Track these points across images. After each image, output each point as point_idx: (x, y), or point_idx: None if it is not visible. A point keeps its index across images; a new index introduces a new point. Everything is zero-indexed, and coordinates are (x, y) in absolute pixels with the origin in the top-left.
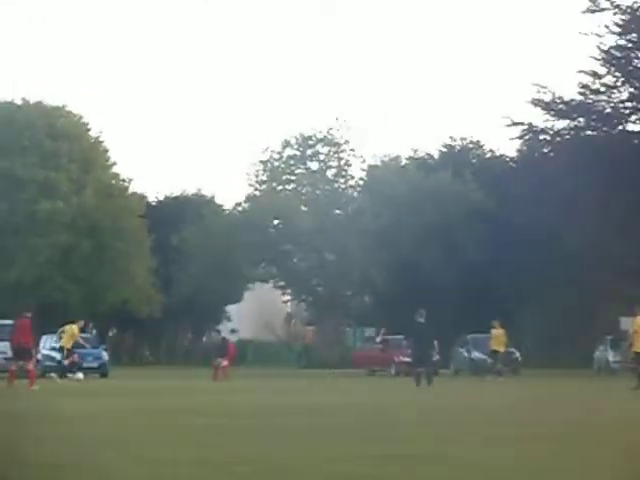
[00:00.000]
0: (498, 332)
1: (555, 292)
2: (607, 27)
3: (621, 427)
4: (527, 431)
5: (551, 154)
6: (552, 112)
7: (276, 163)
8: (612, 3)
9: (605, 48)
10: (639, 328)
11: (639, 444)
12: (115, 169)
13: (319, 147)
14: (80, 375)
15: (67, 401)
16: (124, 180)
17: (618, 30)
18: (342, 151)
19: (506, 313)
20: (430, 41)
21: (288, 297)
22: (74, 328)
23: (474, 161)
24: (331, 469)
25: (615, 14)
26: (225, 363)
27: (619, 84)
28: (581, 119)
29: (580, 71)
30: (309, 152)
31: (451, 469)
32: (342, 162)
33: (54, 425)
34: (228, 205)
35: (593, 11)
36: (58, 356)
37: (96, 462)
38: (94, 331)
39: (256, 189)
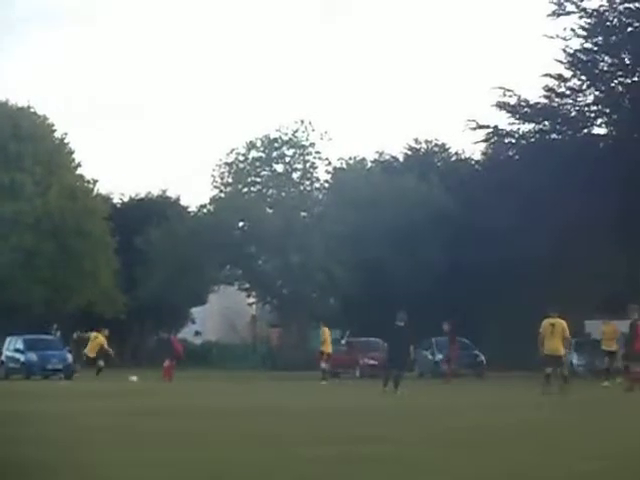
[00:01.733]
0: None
1: (519, 294)
2: (573, 30)
3: (545, 430)
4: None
5: (516, 157)
6: (517, 115)
7: (241, 165)
8: (578, 6)
9: (571, 51)
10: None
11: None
12: (80, 171)
13: (284, 149)
14: (133, 378)
15: (30, 402)
16: (89, 182)
17: (584, 33)
18: (308, 153)
19: (470, 315)
20: (395, 44)
21: (253, 299)
22: (100, 337)
23: (439, 164)
24: (289, 472)
25: (581, 17)
26: (167, 363)
27: (584, 87)
28: (546, 122)
29: (545, 74)
30: (274, 154)
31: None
32: (307, 164)
33: (15, 425)
34: (193, 207)
35: (559, 14)
36: (22, 358)
37: (54, 462)
38: (58, 333)
39: (221, 191)
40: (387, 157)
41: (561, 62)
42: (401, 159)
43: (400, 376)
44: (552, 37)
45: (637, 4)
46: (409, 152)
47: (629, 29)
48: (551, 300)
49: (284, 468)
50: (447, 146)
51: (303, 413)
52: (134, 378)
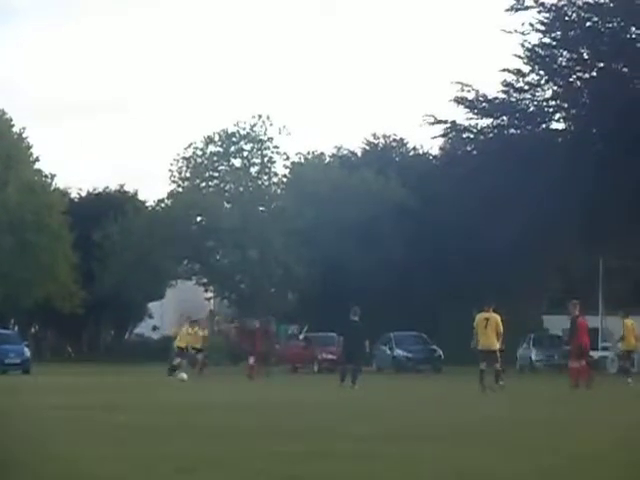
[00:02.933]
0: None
1: (477, 289)
2: (531, 25)
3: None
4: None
5: (474, 152)
6: (475, 110)
7: (199, 160)
8: (536, 1)
9: (529, 46)
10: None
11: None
12: (38, 165)
13: (242, 144)
14: (184, 375)
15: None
16: (47, 176)
17: (542, 28)
18: (266, 148)
19: (429, 310)
20: (354, 38)
21: (211, 294)
22: (186, 328)
23: (397, 159)
24: (249, 466)
25: (539, 12)
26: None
27: (543, 82)
28: (504, 117)
29: (504, 69)
30: (232, 149)
31: (384, 466)
32: (265, 159)
33: None
34: (151, 202)
35: (517, 9)
36: None
37: (7, 459)
38: (16, 327)
39: (179, 186)
40: (345, 152)
41: (519, 57)
42: (359, 154)
43: (357, 371)
44: (510, 32)
45: None
46: (367, 147)
47: (587, 24)
48: (510, 295)
49: (247, 462)
50: (405, 141)
51: (268, 407)
52: (184, 376)
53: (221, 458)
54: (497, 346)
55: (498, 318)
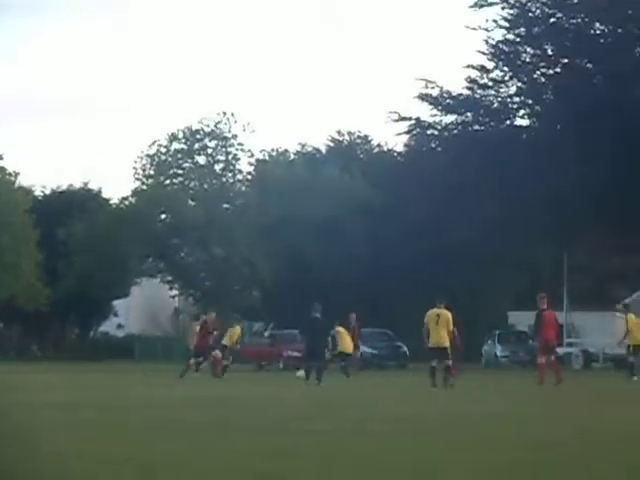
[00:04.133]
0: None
1: (442, 286)
2: (495, 21)
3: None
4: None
5: (439, 149)
6: (440, 107)
7: (163, 157)
8: None
9: (493, 42)
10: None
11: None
12: (1, 163)
13: (207, 141)
14: (301, 372)
15: None
16: (10, 174)
17: (506, 24)
18: (230, 145)
19: (395, 307)
20: (317, 35)
21: (176, 292)
22: (237, 329)
23: (362, 156)
24: (224, 464)
25: (503, 8)
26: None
27: (507, 79)
28: (469, 114)
29: (468, 66)
30: (197, 146)
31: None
32: (230, 156)
33: None
34: (115, 199)
35: (481, 5)
36: None
37: None
38: None
39: (143, 183)
40: (310, 149)
41: (483, 53)
42: (324, 151)
43: (321, 367)
44: (474, 28)
45: None
46: (332, 144)
47: (551, 20)
48: (475, 291)
49: (213, 460)
50: (370, 138)
51: (233, 404)
52: (301, 373)
53: (186, 455)
54: (447, 343)
55: (449, 315)
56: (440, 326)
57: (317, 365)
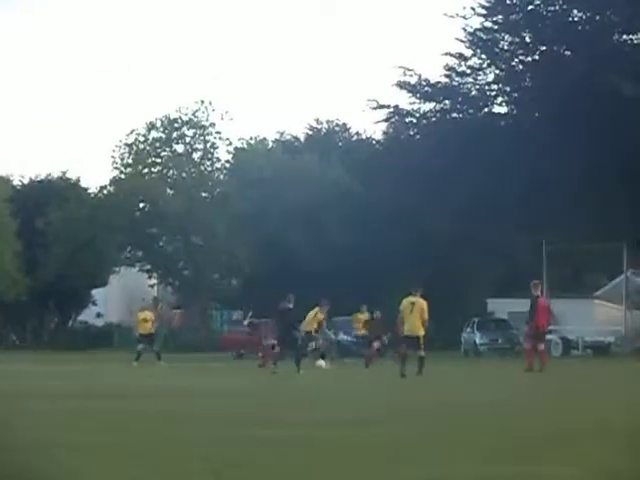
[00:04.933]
0: None
1: (422, 274)
2: (473, 9)
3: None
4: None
5: (417, 136)
6: (418, 95)
7: (141, 146)
8: None
9: (471, 30)
10: None
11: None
12: None
13: (185, 130)
14: (322, 362)
15: None
16: None
17: (484, 12)
18: (208, 134)
19: (374, 295)
20: (295, 23)
21: (154, 280)
22: (317, 312)
23: (340, 144)
24: (199, 452)
25: None
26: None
27: (485, 66)
28: (447, 101)
29: (446, 53)
30: (175, 135)
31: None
32: (208, 145)
33: None
34: (93, 188)
35: None
36: None
37: None
38: None
39: (121, 172)
40: (288, 137)
41: (461, 41)
42: (302, 139)
43: (299, 356)
44: (452, 16)
45: None
46: (310, 132)
47: (529, 7)
48: (454, 279)
49: (188, 448)
50: (348, 126)
51: (208, 394)
52: (320, 362)
53: (161, 443)
54: (421, 332)
55: (424, 304)
56: (414, 315)
57: (295, 355)
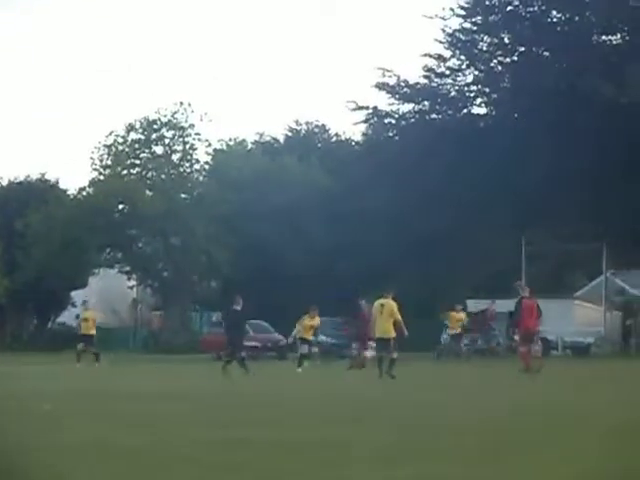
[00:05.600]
0: None
1: (402, 274)
2: (452, 10)
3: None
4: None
5: (396, 138)
6: (397, 96)
7: (120, 147)
8: None
9: (450, 31)
10: None
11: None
12: None
13: (164, 131)
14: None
15: None
16: None
17: (463, 13)
18: (187, 135)
19: (353, 296)
20: (275, 24)
21: (134, 282)
22: (309, 319)
23: (320, 145)
24: (172, 453)
25: None
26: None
27: (464, 67)
28: (426, 102)
29: (425, 54)
30: (154, 136)
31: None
32: (187, 146)
33: None
34: (72, 190)
35: None
36: None
37: None
38: None
39: (100, 173)
40: (267, 138)
41: (440, 42)
42: (282, 140)
43: (244, 357)
44: (431, 17)
45: None
46: (290, 133)
47: (508, 8)
48: (433, 279)
49: (168, 450)
50: (327, 127)
51: (183, 397)
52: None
53: (140, 445)
54: (392, 334)
55: (394, 305)
56: (384, 316)
57: (240, 357)
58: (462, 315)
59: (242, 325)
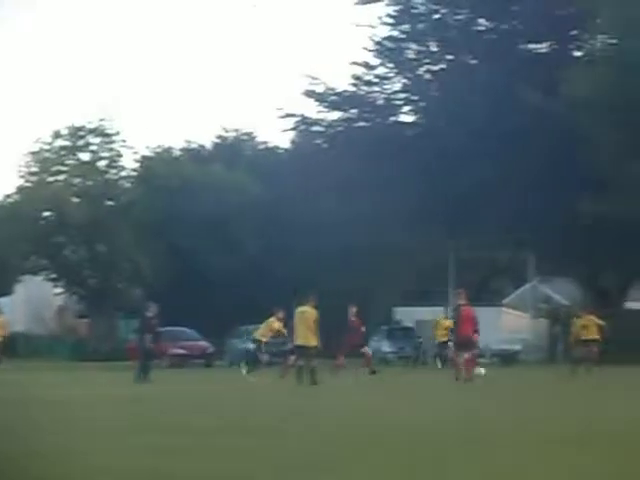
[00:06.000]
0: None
1: (331, 281)
2: (380, 18)
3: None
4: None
5: (324, 145)
6: (325, 104)
7: (47, 154)
8: None
9: (378, 39)
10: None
11: None
12: None
13: (90, 138)
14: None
15: None
16: None
17: (390, 21)
18: (113, 142)
19: (285, 302)
20: (202, 30)
21: (60, 289)
22: (272, 321)
23: (248, 153)
24: (87, 462)
25: (388, 5)
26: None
27: (392, 75)
28: (354, 110)
29: (353, 62)
30: (80, 143)
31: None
32: (113, 153)
33: None
34: None
35: (366, 2)
36: None
37: None
38: None
39: (27, 180)
40: (195, 146)
41: (368, 50)
42: (209, 148)
43: (148, 365)
44: (360, 25)
45: None
46: (218, 140)
47: (435, 16)
48: (361, 287)
49: (93, 457)
50: (255, 135)
51: (111, 402)
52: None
53: (74, 451)
54: (313, 342)
55: (314, 313)
56: (303, 325)
57: (146, 363)
58: (449, 323)
59: (152, 331)
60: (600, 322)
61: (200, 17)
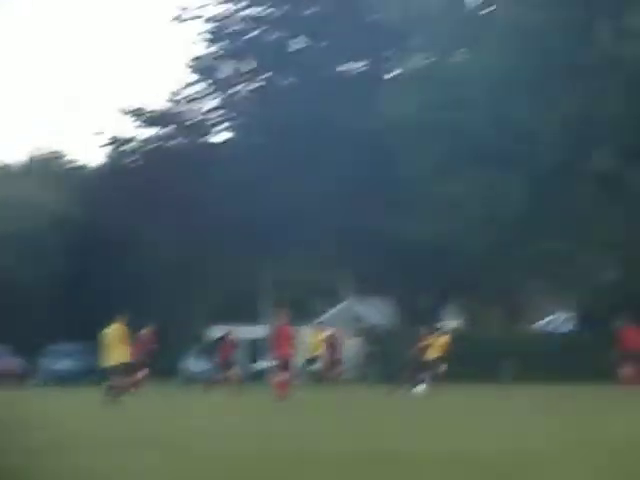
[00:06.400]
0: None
1: (139, 302)
2: (197, 35)
3: None
4: None
5: (139, 163)
6: (140, 120)
7: None
8: (201, 12)
9: (195, 56)
10: None
11: None
12: None
13: None
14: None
15: None
16: None
17: (207, 38)
18: None
19: (97, 323)
20: (14, 48)
21: None
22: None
23: (59, 170)
24: None
25: (205, 22)
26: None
27: (208, 93)
28: (168, 128)
29: (170, 79)
30: None
31: None
32: None
33: None
34: None
35: (183, 20)
36: None
37: None
38: None
39: None
40: (4, 164)
41: (186, 67)
42: (19, 166)
43: None
44: (177, 42)
45: (259, 10)
46: (29, 159)
47: (252, 34)
48: (170, 306)
49: None
50: (67, 152)
51: None
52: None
53: None
54: (116, 361)
55: (121, 332)
56: (110, 344)
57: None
58: (445, 339)
59: None
60: (444, 339)
61: (11, 32)
